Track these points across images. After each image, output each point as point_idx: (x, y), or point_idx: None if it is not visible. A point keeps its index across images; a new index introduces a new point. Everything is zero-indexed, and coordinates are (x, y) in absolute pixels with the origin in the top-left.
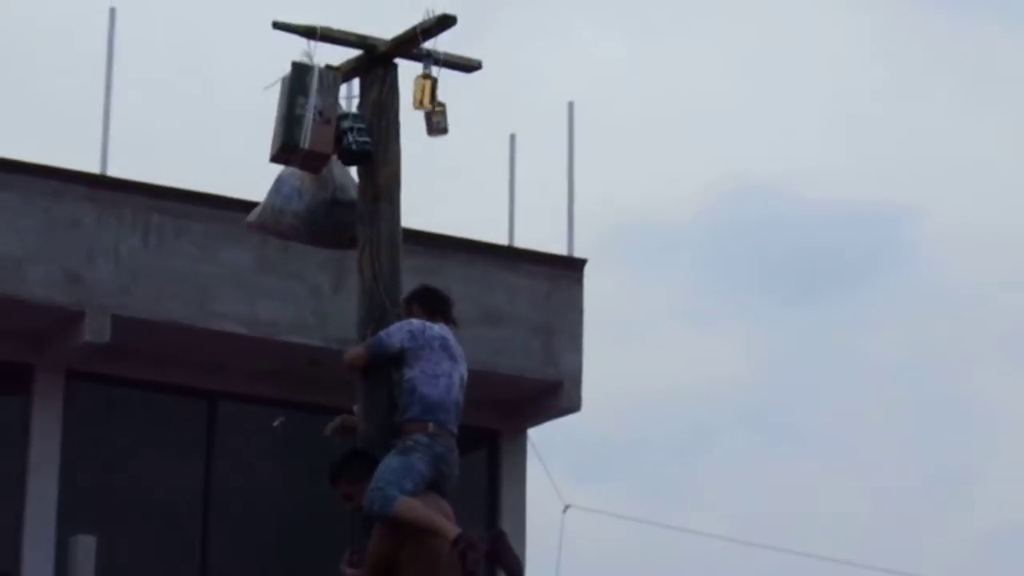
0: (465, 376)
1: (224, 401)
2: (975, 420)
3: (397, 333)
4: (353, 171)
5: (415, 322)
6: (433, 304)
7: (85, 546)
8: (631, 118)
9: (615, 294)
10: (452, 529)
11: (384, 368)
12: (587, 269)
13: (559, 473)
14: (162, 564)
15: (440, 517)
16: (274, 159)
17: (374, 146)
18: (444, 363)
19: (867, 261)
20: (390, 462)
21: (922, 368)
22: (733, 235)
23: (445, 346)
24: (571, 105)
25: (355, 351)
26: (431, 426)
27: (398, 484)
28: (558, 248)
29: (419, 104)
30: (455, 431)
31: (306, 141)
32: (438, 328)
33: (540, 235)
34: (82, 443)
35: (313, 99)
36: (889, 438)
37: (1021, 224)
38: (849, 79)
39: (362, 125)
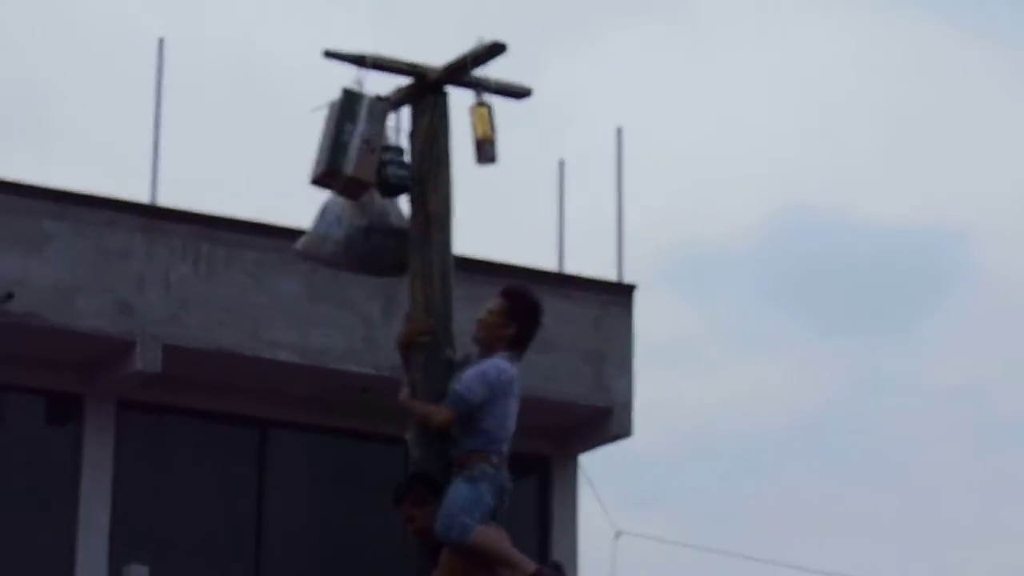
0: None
1: (275, 429)
2: None
3: (478, 388)
4: (402, 198)
5: (490, 371)
6: (528, 338)
7: (138, 575)
8: (683, 144)
9: (669, 319)
10: (528, 562)
11: (439, 394)
12: (638, 295)
13: (611, 499)
14: None
15: (515, 549)
16: (315, 182)
17: (411, 180)
18: (511, 406)
19: (927, 286)
20: (460, 489)
21: (984, 393)
22: (789, 260)
23: (514, 386)
24: (620, 131)
25: (442, 414)
26: (494, 458)
27: (470, 513)
28: (608, 274)
29: (483, 134)
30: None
31: (350, 167)
32: (508, 367)
33: (590, 261)
34: (134, 473)
35: (361, 127)
36: (950, 464)
37: None
38: (904, 101)
39: (401, 159)
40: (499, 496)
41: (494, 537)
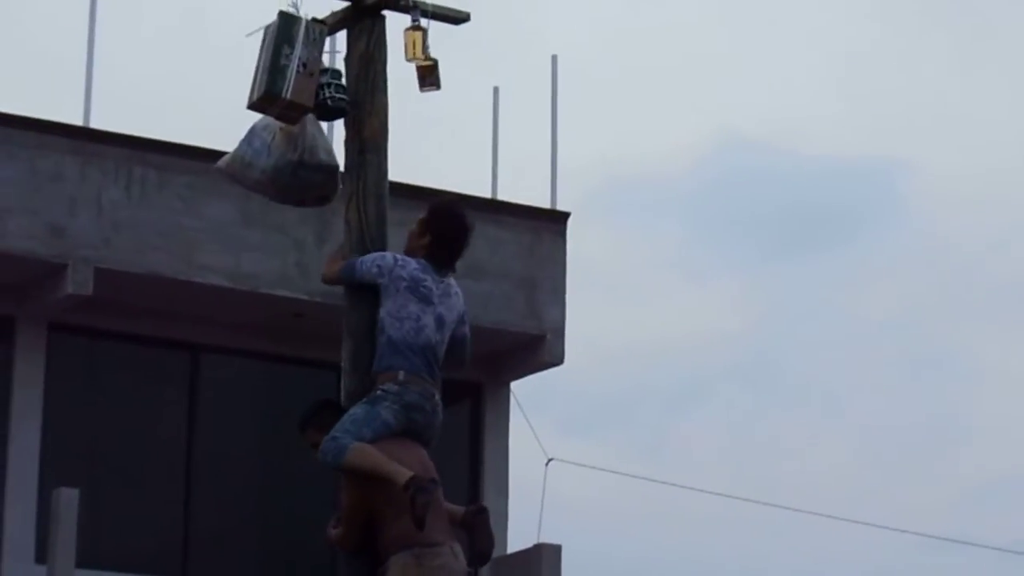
0: (446, 316)
1: (207, 354)
2: (964, 374)
3: (369, 266)
4: (332, 127)
5: (387, 256)
6: (445, 250)
7: (68, 499)
8: (620, 72)
9: (605, 248)
10: (403, 473)
11: (372, 321)
12: (574, 223)
13: (544, 427)
14: (144, 517)
15: (391, 462)
16: (253, 106)
17: (349, 104)
18: (410, 306)
19: (859, 215)
20: (354, 411)
21: (913, 323)
22: (724, 189)
23: (412, 288)
24: (555, 58)
25: (332, 269)
26: (401, 374)
27: (355, 433)
28: (542, 201)
29: (412, 56)
30: (435, 376)
31: (288, 91)
32: (413, 266)
33: (524, 188)
34: (64, 396)
35: (298, 50)
36: (880, 392)
37: (1013, 180)
38: (842, 33)
39: (340, 82)
40: (406, 415)
41: (369, 453)
